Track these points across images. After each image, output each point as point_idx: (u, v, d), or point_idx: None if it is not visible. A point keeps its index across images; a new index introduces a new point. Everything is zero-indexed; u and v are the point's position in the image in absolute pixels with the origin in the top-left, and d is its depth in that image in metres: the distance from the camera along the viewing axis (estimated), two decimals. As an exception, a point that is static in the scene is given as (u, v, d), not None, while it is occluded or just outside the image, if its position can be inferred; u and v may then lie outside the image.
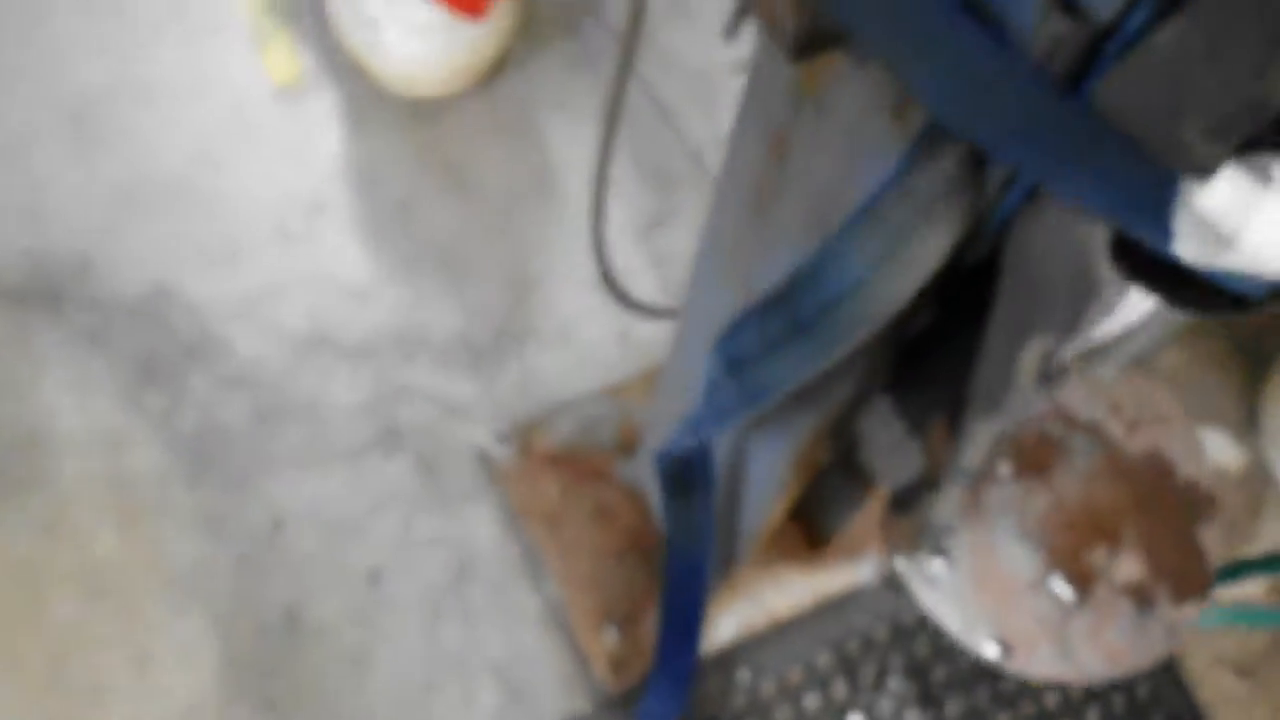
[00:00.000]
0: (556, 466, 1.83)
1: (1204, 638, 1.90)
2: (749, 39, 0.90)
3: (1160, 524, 1.08)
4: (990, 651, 1.01)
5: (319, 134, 2.14)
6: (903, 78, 0.69)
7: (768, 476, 1.24)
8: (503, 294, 2.03)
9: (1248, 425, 2.13)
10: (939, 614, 1.02)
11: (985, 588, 1.04)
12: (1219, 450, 2.17)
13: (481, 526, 1.81)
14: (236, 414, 1.87)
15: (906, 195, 0.70)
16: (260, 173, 2.08)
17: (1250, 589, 1.98)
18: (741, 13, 0.85)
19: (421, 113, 2.18)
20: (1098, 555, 1.05)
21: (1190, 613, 1.02)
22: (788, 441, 1.14)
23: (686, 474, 1.27)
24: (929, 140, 0.69)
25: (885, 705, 1.80)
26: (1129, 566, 1.06)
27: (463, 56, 2.11)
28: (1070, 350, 0.83)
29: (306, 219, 2.05)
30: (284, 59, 2.20)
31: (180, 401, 1.87)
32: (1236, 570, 1.55)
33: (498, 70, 2.22)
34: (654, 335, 1.98)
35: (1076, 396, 1.10)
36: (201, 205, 2.04)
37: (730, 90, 2.24)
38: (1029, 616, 1.03)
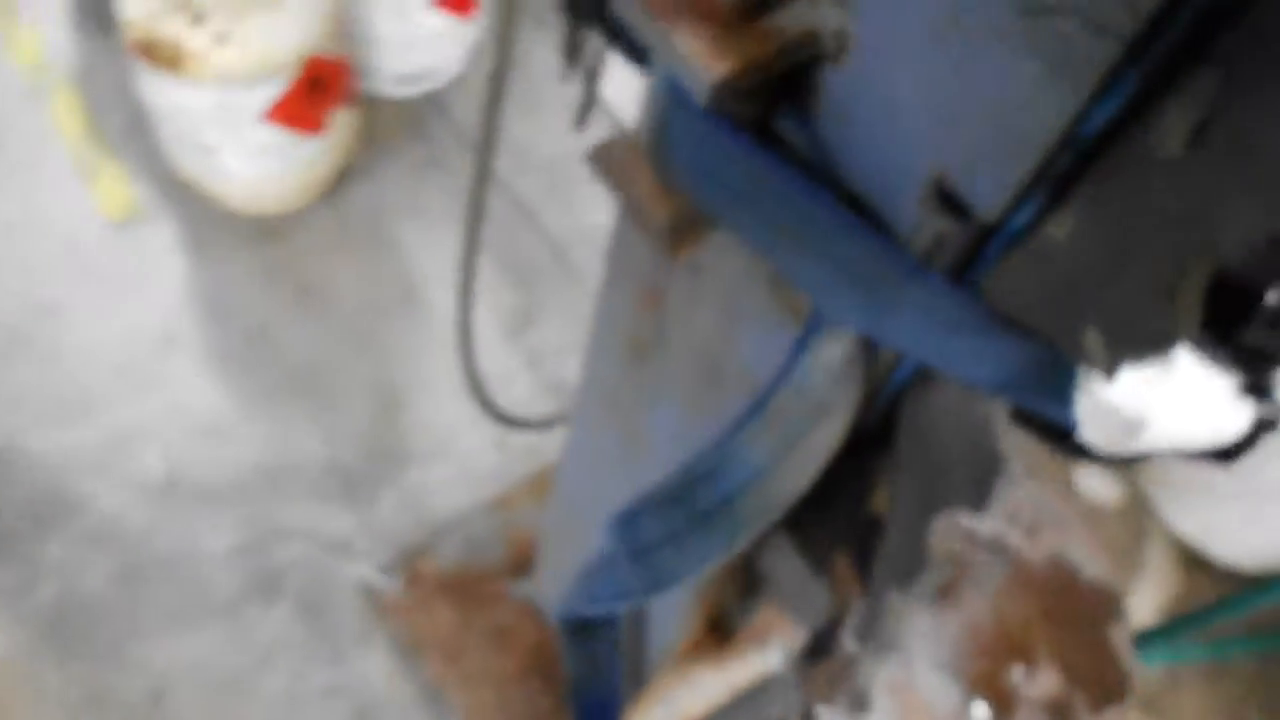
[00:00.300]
0: (448, 593, 1.76)
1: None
2: (600, 126, 0.86)
3: (1070, 632, 1.07)
4: (922, 793, 0.98)
5: (161, 264, 2.04)
6: (783, 269, 0.66)
7: (671, 617, 1.20)
8: (371, 414, 1.96)
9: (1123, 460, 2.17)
10: (866, 760, 0.98)
11: (909, 725, 1.01)
12: (1095, 487, 2.21)
13: (375, 667, 1.73)
14: (99, 578, 1.75)
15: (798, 390, 0.67)
16: (101, 312, 1.97)
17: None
18: (587, 111, 0.81)
19: (267, 231, 2.09)
20: (1015, 674, 1.04)
21: (1112, 717, 1.01)
22: (690, 587, 1.10)
23: (590, 630, 1.23)
24: (817, 326, 0.66)
25: (808, 797, 1.77)
26: (1045, 681, 1.04)
27: (304, 172, 2.04)
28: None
29: (156, 357, 1.94)
30: (114, 190, 2.09)
31: (36, 572, 1.74)
32: (1172, 629, 1.57)
33: (343, 180, 2.15)
34: (532, 439, 1.93)
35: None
36: (40, 354, 1.92)
37: (586, 180, 2.22)
38: (955, 750, 1.00)
